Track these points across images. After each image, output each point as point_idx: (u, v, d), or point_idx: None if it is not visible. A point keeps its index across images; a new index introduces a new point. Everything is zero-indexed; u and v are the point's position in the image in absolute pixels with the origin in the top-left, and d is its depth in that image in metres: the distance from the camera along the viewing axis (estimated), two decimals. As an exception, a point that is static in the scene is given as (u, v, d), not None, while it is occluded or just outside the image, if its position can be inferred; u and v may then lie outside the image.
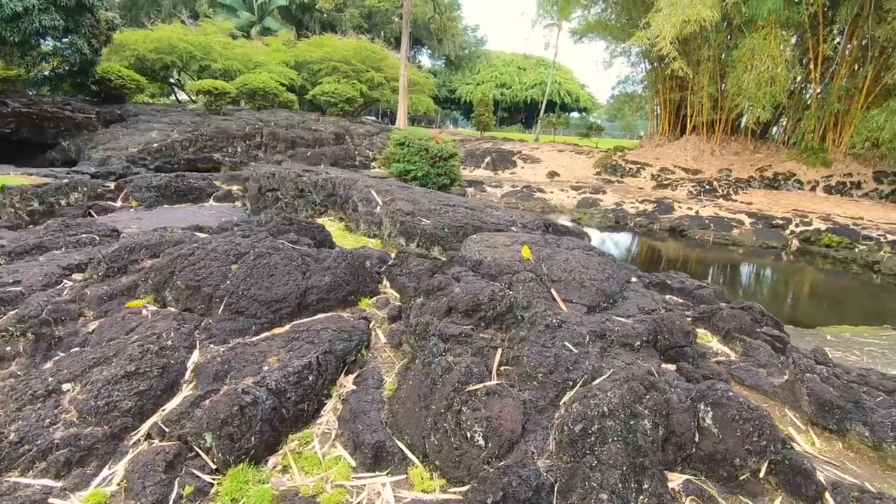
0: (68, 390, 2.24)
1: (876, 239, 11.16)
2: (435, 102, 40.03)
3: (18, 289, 3.03)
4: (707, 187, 16.52)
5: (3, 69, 21.22)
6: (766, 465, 2.15)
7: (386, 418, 2.31)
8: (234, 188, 7.37)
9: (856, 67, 16.40)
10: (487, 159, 20.02)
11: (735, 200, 15.47)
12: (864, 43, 15.63)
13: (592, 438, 1.90)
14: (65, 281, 3.28)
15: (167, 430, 2.13)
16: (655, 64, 21.40)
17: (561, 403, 2.16)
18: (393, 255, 4.07)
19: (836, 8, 14.96)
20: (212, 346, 2.68)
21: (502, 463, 1.97)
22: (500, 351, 2.40)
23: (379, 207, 4.99)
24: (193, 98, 34.80)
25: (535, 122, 64.81)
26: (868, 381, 2.71)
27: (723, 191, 16.31)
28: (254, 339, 2.76)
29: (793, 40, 15.38)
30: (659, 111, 23.57)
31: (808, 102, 18.25)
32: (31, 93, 25.71)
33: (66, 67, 17.32)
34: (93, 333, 2.81)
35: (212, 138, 18.01)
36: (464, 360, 2.33)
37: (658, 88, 22.63)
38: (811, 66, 17.04)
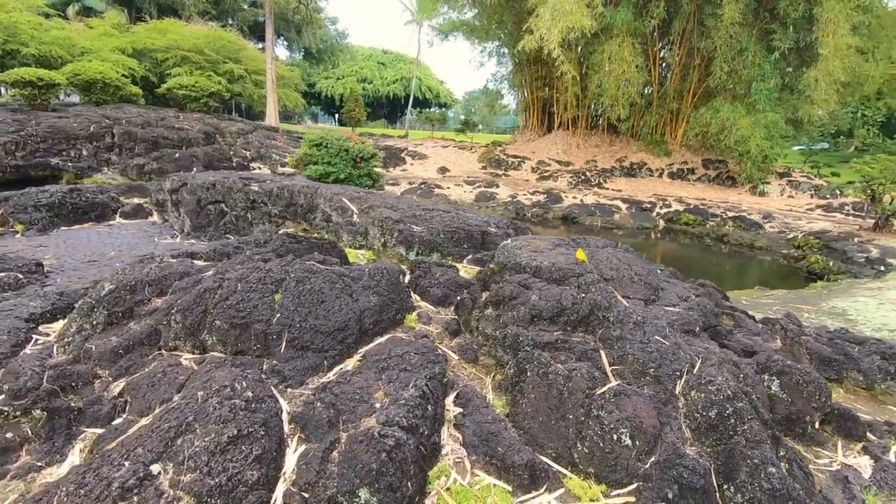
0: (160, 472, 1.79)
1: (720, 216, 13.62)
2: (295, 97, 37.96)
3: (-21, 357, 2.28)
4: (582, 177, 18.45)
5: None
6: (819, 417, 2.60)
7: (519, 435, 2.28)
8: (141, 201, 6.28)
9: (685, 73, 19.63)
10: (377, 157, 19.73)
11: (607, 188, 17.55)
12: (690, 52, 18.76)
13: (732, 420, 2.13)
14: (35, 336, 2.54)
15: (307, 495, 1.83)
16: (524, 65, 23.07)
17: (678, 393, 2.35)
18: (402, 266, 3.91)
19: (671, 22, 17.72)
20: (289, 389, 2.34)
21: (653, 458, 2.10)
22: (603, 353, 2.51)
23: (356, 216, 4.71)
24: (-4, 90, 28.48)
25: (399, 118, 65.35)
26: (840, 337, 3.40)
27: (595, 180, 18.36)
28: (330, 375, 2.47)
29: (639, 48, 17.80)
30: (528, 108, 25.49)
31: (650, 102, 21.32)
32: None
33: None
34: (122, 397, 2.26)
35: (45, 140, 14.94)
36: (576, 365, 2.39)
37: (526, 88, 24.47)
38: (652, 69, 19.96)
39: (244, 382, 2.21)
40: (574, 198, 15.43)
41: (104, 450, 1.95)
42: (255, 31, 48.39)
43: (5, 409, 2.06)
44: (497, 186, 16.74)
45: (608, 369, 2.43)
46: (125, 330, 2.50)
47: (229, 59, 30.26)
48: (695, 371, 2.43)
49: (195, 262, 3.09)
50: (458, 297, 3.17)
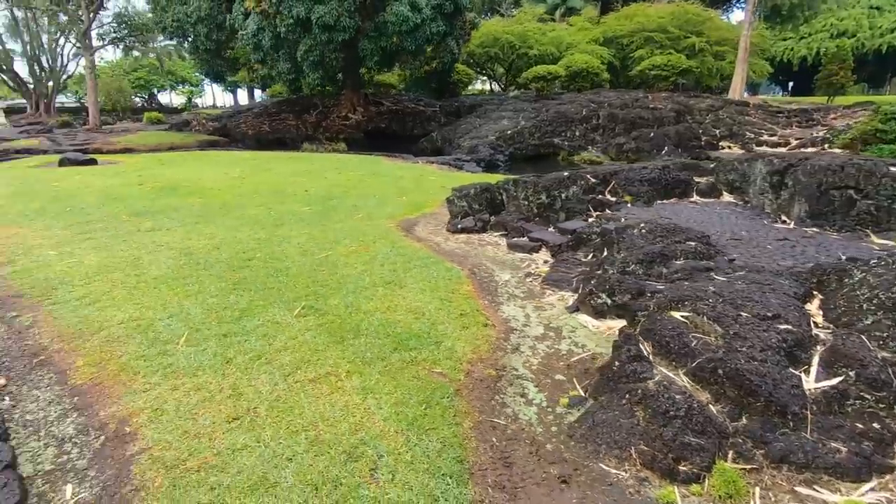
0: None
1: None
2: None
3: (788, 327, 2.40)
4: None
5: (380, 75, 26.08)
6: None
7: None
8: (701, 180, 6.37)
9: None
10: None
11: None
12: None
13: None
14: (811, 318, 2.57)
15: None
16: None
17: None
18: None
19: None
20: None
21: None
22: None
23: None
24: (502, 86, 37.06)
25: (891, 79, 47.49)
26: None
27: None
28: None
29: None
30: None
31: None
32: (392, 92, 31.15)
33: (439, 67, 19.96)
34: None
35: (551, 123, 18.17)
36: None
37: None
38: None
39: None
40: None
41: None
42: (714, -1, 44.79)
43: (866, 396, 2.01)
44: None
45: None
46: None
47: (691, 32, 28.99)
48: None
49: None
50: None
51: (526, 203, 5.88)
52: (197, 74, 45.58)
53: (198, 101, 49.33)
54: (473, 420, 2.33)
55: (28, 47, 30.21)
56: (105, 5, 23.96)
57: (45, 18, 29.16)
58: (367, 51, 17.62)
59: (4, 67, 30.08)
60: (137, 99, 42.92)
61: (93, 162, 12.04)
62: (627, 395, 2.30)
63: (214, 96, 52.32)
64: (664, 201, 5.71)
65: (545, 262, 4.77)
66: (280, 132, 23.54)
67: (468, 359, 2.85)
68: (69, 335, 3.14)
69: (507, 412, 2.42)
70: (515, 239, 5.38)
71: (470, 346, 3.00)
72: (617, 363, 2.48)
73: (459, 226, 5.89)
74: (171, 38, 23.32)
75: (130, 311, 3.45)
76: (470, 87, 42.34)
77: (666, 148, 16.93)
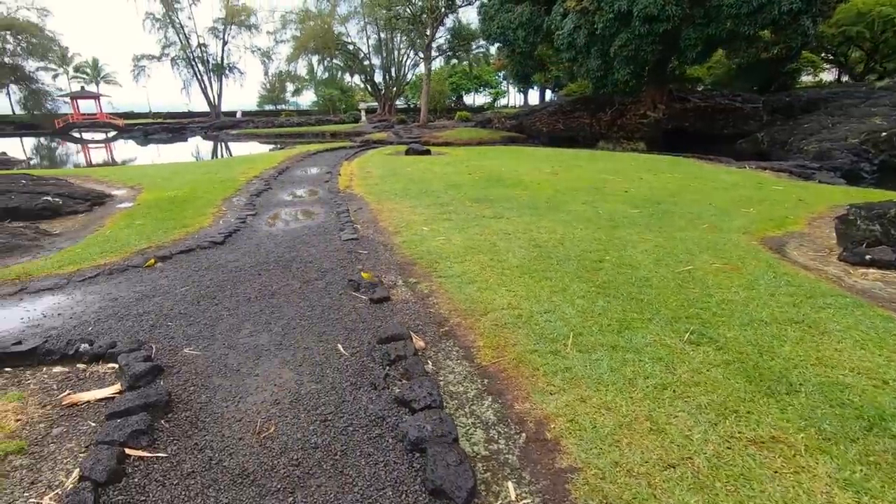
0: None
1: None
2: None
3: None
4: None
5: (689, 68, 23.26)
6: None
7: None
8: None
9: None
10: None
11: None
12: None
13: None
14: None
15: None
16: None
17: None
18: None
19: None
20: None
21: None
22: None
23: None
24: (856, 75, 28.77)
25: None
26: None
27: None
28: None
29: None
30: None
31: None
32: (699, 87, 27.63)
33: (781, 54, 16.43)
34: None
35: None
36: None
37: None
38: None
39: None
40: None
41: None
42: None
43: None
44: None
45: None
46: None
47: None
48: None
49: None
50: None
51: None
52: (497, 77, 50.20)
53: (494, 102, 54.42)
54: None
55: (384, 61, 38.41)
56: (444, 22, 28.31)
57: (398, 37, 36.50)
58: (690, 40, 15.77)
59: (368, 78, 39.06)
60: (447, 100, 49.81)
61: (427, 152, 14.22)
62: None
63: (509, 97, 56.87)
64: None
65: None
66: (573, 130, 23.63)
67: None
68: (462, 311, 3.35)
69: None
70: None
71: None
72: None
73: (867, 256, 4.36)
74: (493, 44, 25.96)
75: (507, 298, 3.51)
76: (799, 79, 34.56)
77: None
